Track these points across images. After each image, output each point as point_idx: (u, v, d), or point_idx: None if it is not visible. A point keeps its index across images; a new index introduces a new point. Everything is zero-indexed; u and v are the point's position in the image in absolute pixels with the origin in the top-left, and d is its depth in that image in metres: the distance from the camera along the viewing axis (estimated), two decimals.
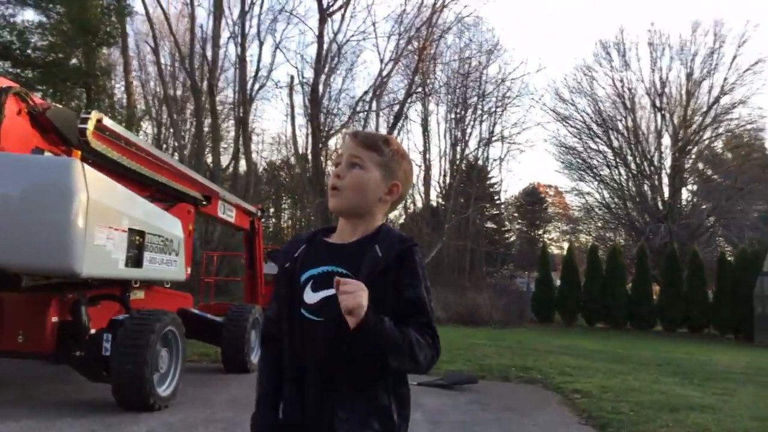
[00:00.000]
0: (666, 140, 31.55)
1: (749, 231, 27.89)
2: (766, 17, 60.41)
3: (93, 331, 5.73)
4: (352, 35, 27.88)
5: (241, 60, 26.36)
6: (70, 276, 5.14)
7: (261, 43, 27.63)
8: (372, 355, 1.53)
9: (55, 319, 5.63)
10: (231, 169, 28.28)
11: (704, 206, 31.26)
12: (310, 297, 1.63)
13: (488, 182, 35.28)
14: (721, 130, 31.87)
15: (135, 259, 5.88)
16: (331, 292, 1.55)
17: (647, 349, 15.32)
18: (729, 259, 23.94)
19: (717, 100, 30.45)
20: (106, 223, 5.31)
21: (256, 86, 27.41)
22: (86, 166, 5.18)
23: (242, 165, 27.64)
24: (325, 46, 26.95)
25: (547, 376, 8.96)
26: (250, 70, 26.96)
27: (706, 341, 20.34)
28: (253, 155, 29.17)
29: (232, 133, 28.80)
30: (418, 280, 1.61)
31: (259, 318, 8.57)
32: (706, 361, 13.11)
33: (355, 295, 1.46)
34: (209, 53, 26.25)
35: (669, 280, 23.14)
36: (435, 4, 27.19)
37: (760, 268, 20.91)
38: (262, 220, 10.97)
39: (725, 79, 30.18)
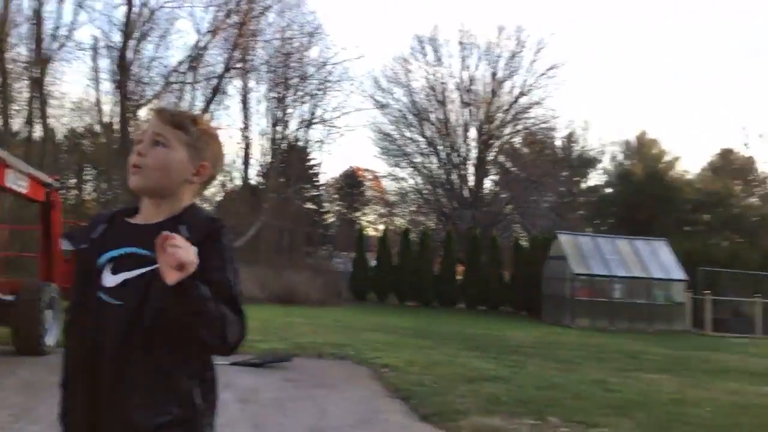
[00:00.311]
0: (473, 133, 33.88)
1: (541, 219, 30.93)
2: (561, 27, 66.98)
3: None
4: (167, 1, 26.34)
5: (38, 15, 23.82)
6: None
7: None
8: (181, 324, 1.47)
9: None
10: (25, 135, 25.44)
11: (504, 195, 34.06)
12: (110, 279, 1.55)
13: (308, 164, 35.42)
14: (519, 127, 34.87)
15: None
16: (131, 274, 1.53)
17: (451, 325, 16.42)
18: (523, 244, 26.36)
19: (517, 99, 33.36)
20: None
21: (55, 45, 24.91)
22: None
23: (38, 131, 25.05)
24: (136, 9, 25.21)
25: (360, 352, 9.26)
26: (48, 27, 24.44)
27: (502, 318, 22.22)
28: (51, 120, 26.54)
29: (26, 95, 25.90)
30: (225, 262, 1.57)
31: (55, 296, 7.87)
32: (502, 336, 14.36)
33: (187, 249, 1.39)
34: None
35: (471, 262, 25.04)
36: None
37: (547, 252, 23.25)
38: (60, 192, 10.01)
39: (524, 81, 33.12)
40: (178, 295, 1.41)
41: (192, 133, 1.65)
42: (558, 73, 33.05)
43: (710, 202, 30.96)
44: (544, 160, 34.27)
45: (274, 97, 32.00)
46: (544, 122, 34.85)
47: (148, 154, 1.60)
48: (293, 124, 32.52)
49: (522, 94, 33.20)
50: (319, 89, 32.17)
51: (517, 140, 36.31)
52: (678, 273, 20.96)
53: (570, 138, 38.70)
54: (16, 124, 25.45)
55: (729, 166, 37.49)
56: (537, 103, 33.50)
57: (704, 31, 60.24)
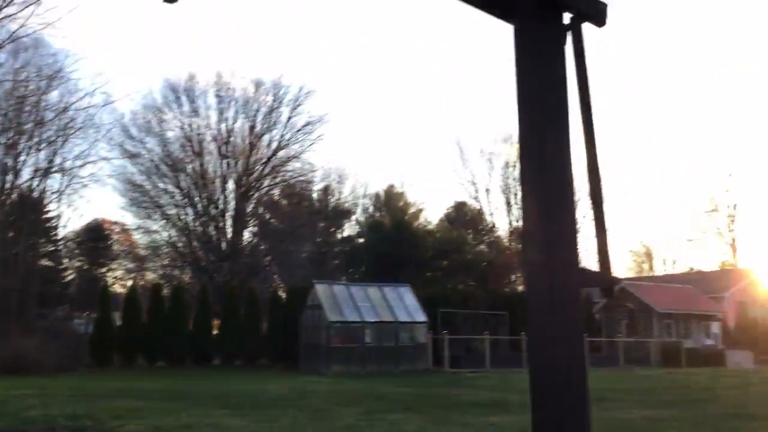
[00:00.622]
0: (230, 185, 33.74)
1: (299, 270, 31.55)
2: (316, 85, 70.39)
3: None
4: None
5: None
6: None
7: None
8: None
9: None
10: None
11: (262, 246, 34.20)
12: None
13: (44, 216, 32.02)
14: (278, 179, 35.61)
15: None
16: None
17: (206, 384, 15.85)
18: (281, 294, 26.59)
19: (275, 153, 34.15)
20: None
21: None
22: None
23: None
24: None
25: (99, 421, 8.55)
26: None
27: (259, 371, 21.99)
28: None
29: None
30: None
31: None
32: (258, 390, 14.23)
33: None
34: None
35: (228, 315, 24.55)
36: None
37: (305, 302, 23.70)
38: None
39: (282, 135, 34.08)
40: None
41: None
42: (313, 129, 34.54)
43: (447, 250, 34.26)
44: (302, 211, 35.31)
45: (5, 144, 28.72)
46: (301, 175, 36.06)
47: None
48: (27, 173, 29.37)
49: (280, 147, 34.09)
50: (58, 136, 29.59)
51: (276, 192, 36.97)
52: (420, 316, 22.81)
53: (326, 191, 40.44)
54: None
55: (463, 217, 42.05)
56: (295, 157, 34.66)
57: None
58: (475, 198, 40.35)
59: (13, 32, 25.66)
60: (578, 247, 2.91)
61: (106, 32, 53.48)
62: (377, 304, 22.97)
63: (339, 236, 41.29)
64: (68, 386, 14.42)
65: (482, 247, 39.08)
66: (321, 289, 23.21)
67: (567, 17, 3.09)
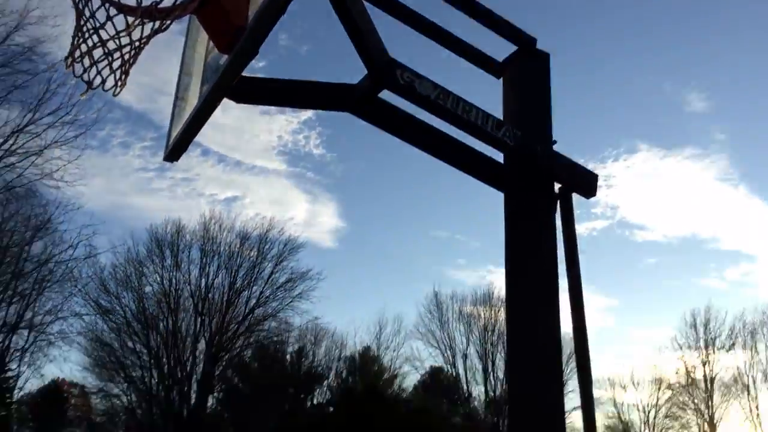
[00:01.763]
0: (202, 345, 32.82)
1: None
2: (303, 240, 71.24)
3: None
4: None
5: None
6: None
7: None
8: None
9: None
10: None
11: (227, 415, 32.65)
12: None
13: (3, 375, 30.73)
14: (252, 339, 34.75)
15: None
16: None
17: None
18: None
19: (252, 310, 33.57)
20: None
21: None
22: None
23: None
24: None
25: None
26: None
27: None
28: None
29: None
30: None
31: None
32: None
33: None
34: None
35: None
36: None
37: None
38: None
39: (261, 292, 33.73)
40: None
41: None
42: (294, 286, 34.08)
43: (420, 422, 32.96)
44: (274, 375, 34.17)
45: None
46: (277, 335, 35.30)
47: None
48: None
49: (258, 305, 33.57)
50: (33, 288, 29.23)
51: (248, 353, 35.95)
52: None
53: (300, 352, 39.45)
54: None
55: (438, 385, 40.87)
56: (272, 315, 34.01)
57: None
58: (452, 364, 39.48)
59: (10, 182, 26.19)
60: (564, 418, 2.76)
61: (100, 181, 54.77)
62: None
63: (308, 403, 39.75)
64: None
65: (457, 419, 37.65)
66: None
67: (557, 186, 3.17)
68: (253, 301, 33.84)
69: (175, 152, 3.25)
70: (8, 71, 24.37)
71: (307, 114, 46.08)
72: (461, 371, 39.49)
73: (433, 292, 40.79)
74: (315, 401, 39.28)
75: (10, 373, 30.81)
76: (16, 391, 30.50)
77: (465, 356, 39.34)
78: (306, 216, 52.82)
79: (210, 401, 33.55)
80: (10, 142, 25.32)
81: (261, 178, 54.47)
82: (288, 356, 38.96)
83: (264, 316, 34.35)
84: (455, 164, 3.23)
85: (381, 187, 56.07)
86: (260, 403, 31.30)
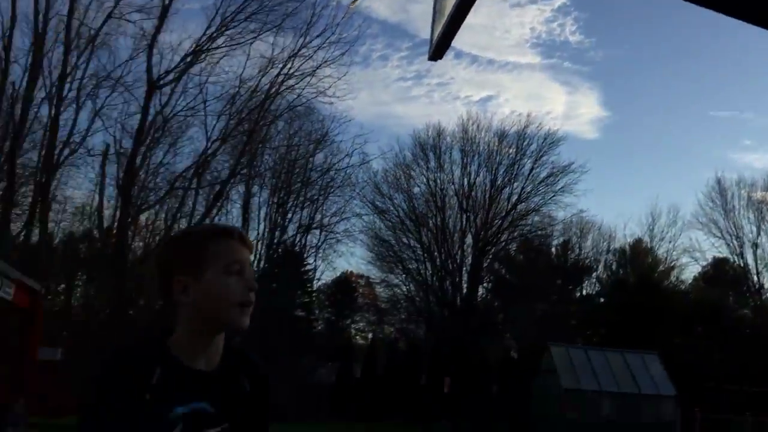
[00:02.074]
0: (469, 239, 34.19)
1: (532, 329, 30.65)
2: (563, 133, 68.97)
3: None
4: (181, 110, 27.61)
5: (53, 123, 24.89)
6: None
7: (78, 108, 26.35)
8: None
9: None
10: (22, 237, 25.89)
11: (496, 303, 33.91)
12: None
13: (303, 269, 35.56)
14: (516, 234, 35.17)
15: None
16: None
17: None
18: (513, 355, 25.93)
19: (515, 206, 33.80)
20: None
21: (66, 151, 25.90)
22: None
23: (36, 234, 25.51)
24: (150, 118, 26.35)
25: None
26: (62, 134, 25.49)
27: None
28: (51, 225, 27.12)
29: (30, 200, 26.59)
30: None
31: (22, 414, 7.85)
32: None
33: None
34: (18, 112, 24.44)
35: (459, 374, 24.44)
36: (269, 90, 27.90)
37: (538, 365, 22.70)
38: (48, 298, 10.20)
39: (523, 188, 33.75)
40: None
41: None
42: (556, 180, 33.56)
43: (703, 314, 30.79)
44: (539, 267, 34.39)
45: (276, 203, 32.71)
46: (540, 229, 35.25)
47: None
48: (291, 229, 33.03)
49: (520, 201, 33.73)
50: (320, 194, 32.93)
51: (513, 247, 36.56)
52: (668, 388, 20.55)
53: (566, 246, 39.01)
54: (16, 227, 25.98)
55: (722, 276, 37.53)
56: (534, 210, 33.99)
57: None
58: (739, 254, 35.73)
59: (291, 102, 29.58)
60: None
61: (365, 94, 58.68)
62: (618, 372, 21.31)
63: (577, 294, 39.43)
64: None
65: (746, 311, 34.37)
66: (556, 351, 22.20)
67: None
68: (515, 197, 34.00)
69: (438, 50, 3.23)
70: (280, 0, 26.83)
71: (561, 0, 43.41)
72: (750, 262, 35.64)
73: (715, 178, 36.82)
74: (584, 292, 38.87)
75: (308, 267, 35.62)
76: (315, 282, 35.22)
77: (755, 246, 35.31)
78: (564, 108, 50.70)
79: (480, 291, 35.11)
80: (288, 66, 28.21)
81: (515, 74, 53.29)
82: (553, 249, 38.83)
83: (527, 211, 34.42)
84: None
85: (648, 69, 51.08)
86: (528, 292, 31.90)
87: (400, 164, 34.67)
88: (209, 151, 27.98)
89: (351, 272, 37.75)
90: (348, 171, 33.06)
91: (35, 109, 25.57)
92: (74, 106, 26.03)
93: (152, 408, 1.31)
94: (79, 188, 35.13)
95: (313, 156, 32.88)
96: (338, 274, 36.53)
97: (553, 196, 33.54)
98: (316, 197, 33.27)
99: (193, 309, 1.40)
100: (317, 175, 32.85)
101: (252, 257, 1.51)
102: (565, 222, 36.42)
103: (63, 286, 29.24)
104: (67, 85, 25.29)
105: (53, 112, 25.12)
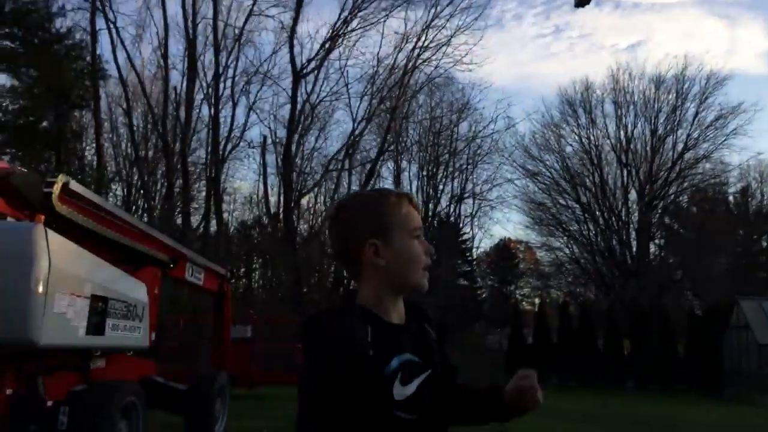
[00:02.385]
0: (633, 195, 32.21)
1: (716, 285, 28.29)
2: (728, 72, 62.99)
3: (50, 403, 5.53)
4: (325, 96, 28.46)
5: (214, 121, 26.58)
6: (27, 346, 5.00)
7: (234, 104, 27.98)
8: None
9: (9, 391, 5.42)
10: (201, 229, 28.10)
11: (672, 260, 31.71)
12: (400, 392, 1.38)
13: (460, 239, 35.52)
14: (686, 184, 32.59)
15: (97, 327, 5.75)
16: (416, 383, 1.41)
17: (621, 407, 15.24)
18: (697, 313, 24.19)
19: (681, 155, 31.25)
20: (67, 289, 5.21)
21: (229, 146, 27.62)
22: (49, 232, 5.11)
23: (213, 225, 27.55)
24: (299, 107, 27.39)
25: None
26: (223, 130, 27.20)
27: (677, 397, 20.28)
28: (225, 215, 29.15)
29: (204, 194, 28.77)
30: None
31: (224, 385, 8.35)
32: (679, 418, 13.07)
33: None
34: (182, 115, 26.43)
35: (638, 336, 23.19)
36: (407, 65, 27.93)
37: (728, 321, 21.11)
38: (231, 281, 10.81)
39: (688, 134, 31.14)
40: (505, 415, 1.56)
41: None
42: (726, 123, 30.71)
43: None
44: (717, 218, 31.62)
45: (425, 175, 32.90)
46: (713, 177, 32.39)
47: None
48: (444, 200, 33.06)
49: (687, 149, 31.20)
50: (469, 163, 32.67)
51: (684, 199, 33.99)
52: None
53: (745, 192, 35.61)
54: (195, 220, 28.25)
55: None
56: (705, 157, 31.28)
57: None
58: None
59: (429, 74, 29.45)
60: None
61: (503, 57, 57.16)
62: None
63: (764, 244, 35.80)
64: None
65: None
66: (747, 306, 20.38)
67: None
68: (681, 145, 31.39)
69: None
70: None
71: None
72: None
73: None
74: None
75: (465, 236, 35.50)
76: (474, 251, 35.03)
77: None
78: (726, 44, 45.97)
79: (651, 248, 32.99)
80: (423, 38, 27.96)
81: (665, 14, 49.16)
82: (731, 198, 35.61)
83: (695, 159, 31.65)
84: None
85: None
86: (705, 246, 29.43)
87: (548, 124, 33.33)
88: (356, 132, 28.59)
89: (509, 239, 37.14)
90: (494, 137, 32.38)
91: (197, 110, 27.47)
92: (230, 103, 27.63)
93: (374, 362, 1.36)
94: (245, 179, 37.61)
95: (457, 126, 32.60)
96: (496, 242, 36.08)
97: (725, 140, 30.55)
98: (465, 166, 33.03)
99: (384, 271, 1.46)
100: (464, 145, 32.51)
101: None
102: (741, 167, 33.21)
103: (243, 270, 31.47)
104: (221, 84, 26.85)
105: (212, 111, 26.81)
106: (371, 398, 1.34)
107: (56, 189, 5.53)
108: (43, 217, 5.32)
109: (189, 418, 7.71)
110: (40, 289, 4.84)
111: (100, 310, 5.78)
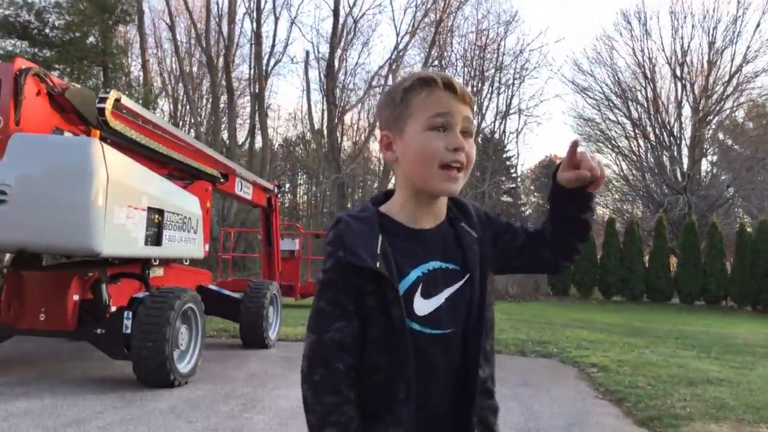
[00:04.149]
0: (686, 110, 31.12)
1: None
2: None
3: (114, 308, 5.85)
4: (368, 9, 27.86)
5: (257, 36, 26.28)
6: (90, 255, 5.23)
7: (276, 19, 27.60)
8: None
9: (76, 297, 5.74)
10: (247, 145, 28.38)
11: (724, 177, 30.84)
12: (422, 305, 1.24)
13: (505, 155, 35.07)
14: (742, 99, 31.34)
15: (154, 238, 5.96)
16: (445, 294, 1.26)
17: (664, 322, 15.30)
18: (748, 230, 23.65)
19: (739, 68, 29.85)
20: (125, 202, 5.38)
21: (272, 62, 27.40)
22: (105, 146, 5.24)
23: (258, 141, 27.78)
24: (341, 21, 26.79)
25: (564, 350, 8.99)
26: (266, 45, 26.92)
27: (723, 313, 20.24)
28: (269, 131, 29.26)
29: (248, 110, 28.84)
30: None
31: (276, 294, 8.65)
32: (724, 334, 13.07)
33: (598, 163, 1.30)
34: (225, 29, 26.19)
35: (687, 252, 22.94)
36: None
37: None
38: (279, 196, 11.00)
39: (748, 47, 29.64)
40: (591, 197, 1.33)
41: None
42: None
43: None
44: None
45: (470, 91, 32.22)
46: None
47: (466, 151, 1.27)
48: (489, 116, 32.49)
49: (746, 61, 29.77)
50: (515, 78, 31.83)
51: (740, 114, 32.72)
52: None
53: None
54: (241, 136, 28.50)
55: None
56: (764, 71, 29.86)
57: None
58: None
59: None
60: None
61: None
62: None
63: None
64: (531, 313, 15.68)
65: None
66: None
67: None
68: (739, 58, 29.87)
69: None
70: None
71: None
72: None
73: None
74: None
75: (509, 153, 35.00)
76: (518, 167, 34.59)
77: None
78: None
79: (704, 165, 32.09)
80: None
81: None
82: None
83: (755, 72, 30.18)
84: None
85: None
86: (761, 162, 28.44)
87: (601, 36, 32.00)
88: (400, 47, 27.93)
89: (555, 155, 36.45)
90: (543, 50, 31.27)
91: (239, 25, 27.13)
92: (272, 17, 27.18)
93: (383, 277, 1.21)
94: (288, 96, 37.47)
95: (504, 39, 31.54)
96: (541, 158, 35.50)
97: None
98: (511, 82, 32.13)
99: (399, 169, 1.31)
100: (510, 59, 31.50)
101: (469, 111, 1.28)
102: None
103: (288, 185, 31.93)
104: None
105: (255, 25, 26.44)
106: (382, 311, 1.22)
107: (109, 104, 5.62)
108: (98, 132, 5.43)
109: (244, 323, 8.05)
110: (100, 201, 5.01)
111: (157, 221, 5.98)
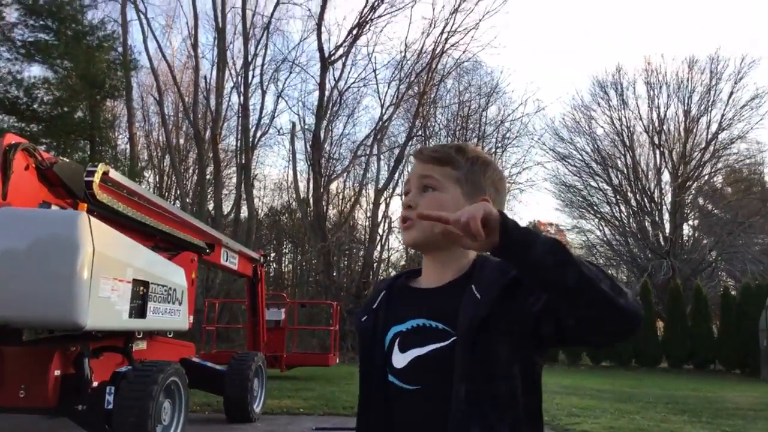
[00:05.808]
0: (666, 176, 31.81)
1: (752, 265, 27.81)
2: (762, 52, 61.34)
3: (95, 383, 5.74)
4: (353, 82, 28.43)
5: (244, 109, 26.77)
6: (74, 329, 5.17)
7: (263, 92, 28.12)
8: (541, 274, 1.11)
9: (57, 372, 5.63)
10: (233, 215, 28.45)
11: (706, 241, 31.24)
12: (399, 359, 1.32)
13: None
14: (720, 165, 32.13)
15: (139, 310, 5.93)
16: (421, 351, 1.29)
17: (654, 387, 15.17)
18: (732, 293, 23.85)
19: (715, 135, 30.75)
20: (110, 274, 5.37)
21: (259, 133, 27.83)
22: (92, 219, 5.27)
23: (244, 211, 27.88)
24: (327, 93, 27.43)
25: (554, 417, 8.89)
26: (253, 118, 27.40)
27: (712, 377, 20.12)
28: (255, 201, 29.43)
29: (234, 180, 29.08)
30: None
31: (262, 365, 8.54)
32: (714, 397, 12.98)
33: (473, 208, 1.11)
34: (212, 103, 26.69)
35: (673, 317, 23.01)
36: (434, 50, 27.76)
37: (764, 301, 20.80)
38: (264, 266, 10.98)
39: (723, 115, 30.57)
40: (505, 242, 1.10)
41: (461, 165, 1.37)
42: (762, 103, 30.13)
43: None
44: (752, 198, 31.15)
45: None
46: (748, 157, 31.95)
47: (417, 204, 1.34)
48: None
49: (721, 129, 30.71)
50: (498, 147, 32.48)
51: (719, 179, 33.49)
52: None
53: None
54: (227, 206, 28.62)
55: None
56: (740, 137, 30.78)
57: None
58: None
59: (457, 59, 29.25)
60: None
61: (532, 42, 56.48)
62: None
63: None
64: None
65: None
66: None
67: None
68: (715, 125, 30.88)
69: None
70: None
71: None
72: None
73: None
74: None
75: None
76: None
77: None
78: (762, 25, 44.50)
79: (685, 229, 32.56)
80: (450, 23, 27.72)
81: None
82: (766, 178, 34.88)
83: (730, 139, 31.15)
84: None
85: None
86: (742, 226, 28.93)
87: (578, 106, 32.97)
88: (385, 118, 28.54)
89: (539, 221, 36.89)
90: (524, 120, 32.16)
91: (227, 98, 27.69)
92: (259, 90, 27.77)
93: (372, 331, 1.37)
94: (274, 166, 37.87)
95: (485, 110, 32.34)
96: (527, 224, 35.83)
97: (760, 120, 30.05)
98: (493, 150, 32.75)
99: None
100: (492, 128, 32.28)
101: (431, 167, 1.39)
102: None
103: (274, 255, 31.85)
104: (250, 73, 26.98)
105: (242, 99, 26.99)
106: (369, 360, 1.36)
107: (97, 178, 5.69)
108: (85, 206, 5.48)
109: (228, 397, 7.91)
110: (86, 274, 5.00)
111: (141, 293, 5.96)
